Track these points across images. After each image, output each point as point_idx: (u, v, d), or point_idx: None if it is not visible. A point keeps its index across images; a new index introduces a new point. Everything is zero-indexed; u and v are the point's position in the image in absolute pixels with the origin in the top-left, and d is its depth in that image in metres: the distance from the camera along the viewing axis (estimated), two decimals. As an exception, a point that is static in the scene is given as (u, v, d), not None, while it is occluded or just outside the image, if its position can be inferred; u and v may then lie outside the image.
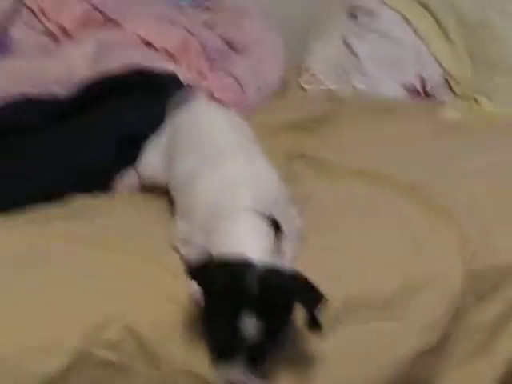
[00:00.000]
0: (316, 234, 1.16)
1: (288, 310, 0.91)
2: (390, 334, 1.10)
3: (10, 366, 0.94)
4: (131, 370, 0.97)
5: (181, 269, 1.03)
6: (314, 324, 0.89)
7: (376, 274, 1.13)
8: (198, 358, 0.97)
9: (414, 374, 1.14)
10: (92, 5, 1.67)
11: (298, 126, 1.57)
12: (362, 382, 1.08)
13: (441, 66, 1.90)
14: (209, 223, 0.98)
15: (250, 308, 0.88)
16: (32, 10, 1.67)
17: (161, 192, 1.26)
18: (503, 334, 1.20)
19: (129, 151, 1.40)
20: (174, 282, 1.01)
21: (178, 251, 1.10)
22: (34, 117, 1.45)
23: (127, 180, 1.35)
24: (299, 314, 0.92)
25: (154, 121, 1.42)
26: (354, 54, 1.92)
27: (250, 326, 0.88)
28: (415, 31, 1.93)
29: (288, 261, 1.01)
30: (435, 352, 1.16)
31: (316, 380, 0.99)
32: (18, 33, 1.65)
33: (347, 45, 1.95)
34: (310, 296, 0.90)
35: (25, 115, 1.45)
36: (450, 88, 1.90)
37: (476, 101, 1.83)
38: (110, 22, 1.69)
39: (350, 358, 1.06)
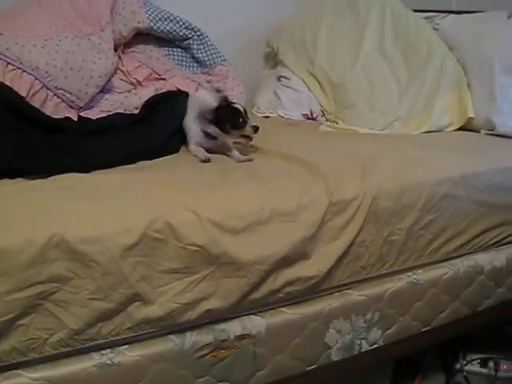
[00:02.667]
0: (253, 175, 1.73)
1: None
2: (289, 228, 1.58)
3: (107, 240, 1.35)
4: (167, 242, 1.42)
5: (191, 195, 1.52)
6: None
7: (284, 199, 1.61)
8: (200, 239, 1.45)
9: (300, 250, 1.60)
10: (153, 70, 2.48)
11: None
12: (272, 255, 1.54)
13: (320, 104, 2.70)
14: None
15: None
16: (122, 70, 2.43)
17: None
18: (346, 232, 1.67)
19: (173, 138, 2.06)
20: (189, 201, 1.50)
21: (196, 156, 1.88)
22: (123, 122, 2.12)
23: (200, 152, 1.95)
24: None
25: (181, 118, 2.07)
26: (279, 98, 2.76)
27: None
28: (307, 87, 2.72)
29: None
30: (312, 239, 1.62)
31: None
32: (116, 82, 2.39)
33: (275, 93, 2.79)
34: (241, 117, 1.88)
35: (118, 122, 2.12)
36: (324, 115, 2.69)
37: (336, 122, 2.57)
38: (161, 78, 2.47)
39: (270, 239, 1.55)
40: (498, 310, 2.12)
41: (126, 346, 1.47)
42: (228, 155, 1.99)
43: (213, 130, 1.97)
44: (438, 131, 2.46)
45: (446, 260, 1.96)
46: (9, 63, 2.06)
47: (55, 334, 1.37)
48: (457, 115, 2.48)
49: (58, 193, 1.52)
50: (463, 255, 2.00)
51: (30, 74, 2.09)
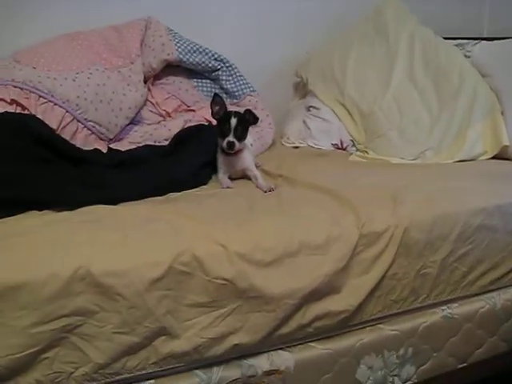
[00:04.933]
0: (281, 206, 1.73)
1: (247, 123, 2.02)
2: (319, 261, 1.56)
3: (133, 274, 1.35)
4: (194, 275, 1.42)
5: (218, 228, 1.52)
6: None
7: (313, 231, 1.59)
8: (228, 272, 1.43)
9: (330, 283, 1.57)
10: (182, 101, 2.54)
11: (280, 162, 2.28)
12: (301, 288, 1.51)
13: (350, 134, 2.67)
14: None
15: (234, 118, 1.95)
16: (151, 102, 2.49)
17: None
18: (377, 264, 1.65)
19: (203, 171, 2.09)
20: (216, 234, 1.50)
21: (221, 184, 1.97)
22: (153, 155, 2.14)
23: (224, 181, 2.03)
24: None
25: (212, 153, 2.10)
26: (308, 128, 2.73)
27: (233, 123, 1.94)
28: (337, 117, 2.70)
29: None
30: (342, 272, 1.59)
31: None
32: (145, 113, 2.45)
33: (305, 123, 2.76)
34: (253, 117, 2.02)
35: (147, 154, 2.15)
36: (355, 146, 2.65)
37: (367, 152, 2.53)
38: (190, 110, 2.53)
39: (299, 272, 1.53)
40: (538, 346, 2.02)
41: (152, 381, 1.45)
42: (254, 183, 2.05)
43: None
44: (472, 160, 2.40)
45: (482, 293, 1.90)
46: (41, 96, 2.11)
47: (80, 368, 1.36)
48: (491, 143, 2.42)
49: (84, 225, 1.53)
50: (500, 288, 1.93)
51: (61, 106, 2.14)
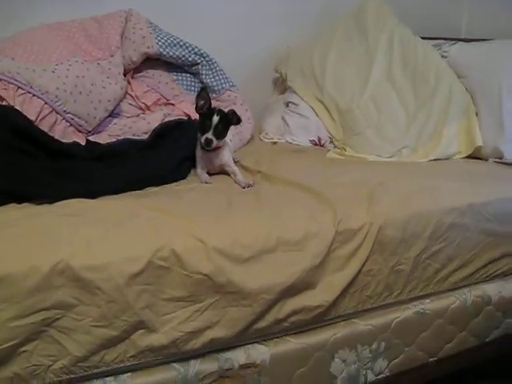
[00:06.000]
0: (259, 202, 1.73)
1: (229, 123, 2.02)
2: (295, 257, 1.57)
3: (113, 268, 1.35)
4: (172, 270, 1.42)
5: (197, 223, 1.51)
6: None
7: (290, 227, 1.61)
8: (206, 267, 1.44)
9: (306, 279, 1.58)
10: (161, 95, 2.53)
11: (258, 158, 2.30)
12: (277, 284, 1.53)
13: (328, 131, 2.70)
14: None
15: (216, 116, 1.94)
16: (131, 95, 2.48)
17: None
18: (352, 261, 1.67)
19: (182, 165, 2.09)
20: (195, 229, 1.49)
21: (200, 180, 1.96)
22: (132, 149, 2.12)
23: (203, 176, 2.03)
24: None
25: (191, 147, 2.09)
26: (287, 124, 2.75)
27: (215, 120, 1.93)
28: (316, 113, 2.73)
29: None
30: (318, 268, 1.60)
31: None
32: (124, 106, 2.44)
33: (283, 119, 2.78)
34: (237, 118, 2.02)
35: (127, 148, 2.13)
36: (332, 142, 2.68)
37: (344, 149, 2.56)
38: (169, 103, 2.53)
39: (276, 268, 1.54)
40: (507, 341, 2.09)
41: (129, 374, 1.46)
42: (233, 179, 2.07)
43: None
44: (446, 159, 2.45)
45: (453, 290, 1.94)
46: (19, 87, 2.09)
47: (58, 361, 1.37)
48: (465, 143, 2.47)
49: (64, 219, 1.53)
50: (471, 285, 1.98)
51: (39, 97, 2.12)
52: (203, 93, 2.05)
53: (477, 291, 1.99)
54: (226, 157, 2.11)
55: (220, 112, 2.01)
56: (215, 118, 1.98)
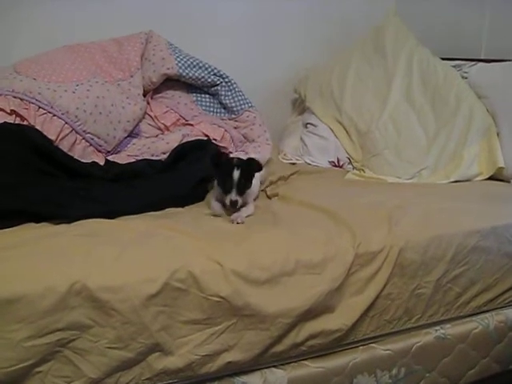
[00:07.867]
0: (277, 224, 1.71)
1: (251, 174, 1.81)
2: (314, 280, 1.55)
3: (129, 289, 1.34)
4: (189, 292, 1.42)
5: (214, 245, 1.50)
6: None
7: (309, 250, 1.60)
8: (223, 290, 1.43)
9: (324, 302, 1.57)
10: (180, 115, 2.51)
11: (277, 179, 2.27)
12: (295, 308, 1.51)
13: (347, 152, 2.69)
14: None
15: (237, 170, 1.74)
16: (150, 115, 2.47)
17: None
18: (371, 284, 1.65)
19: (200, 186, 2.05)
20: (212, 251, 1.49)
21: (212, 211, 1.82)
22: (151, 169, 2.13)
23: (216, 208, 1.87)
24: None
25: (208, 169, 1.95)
26: (305, 144, 2.76)
27: (236, 176, 1.74)
28: (334, 134, 2.73)
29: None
30: (337, 292, 1.58)
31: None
32: (144, 126, 2.43)
33: (302, 140, 2.79)
34: (258, 167, 1.82)
35: (145, 168, 2.14)
36: (351, 164, 2.68)
37: (363, 170, 2.55)
38: (188, 124, 2.48)
39: (294, 291, 1.52)
40: (531, 368, 2.02)
41: (145, 397, 1.42)
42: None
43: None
44: (467, 181, 2.42)
45: (475, 314, 1.90)
46: (40, 107, 2.11)
47: (73, 383, 1.35)
48: (486, 165, 2.43)
49: (82, 239, 1.52)
50: (493, 310, 1.93)
51: (60, 118, 2.13)
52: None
53: (500, 316, 1.95)
54: (249, 209, 1.89)
55: (240, 164, 1.81)
56: (236, 174, 1.78)
